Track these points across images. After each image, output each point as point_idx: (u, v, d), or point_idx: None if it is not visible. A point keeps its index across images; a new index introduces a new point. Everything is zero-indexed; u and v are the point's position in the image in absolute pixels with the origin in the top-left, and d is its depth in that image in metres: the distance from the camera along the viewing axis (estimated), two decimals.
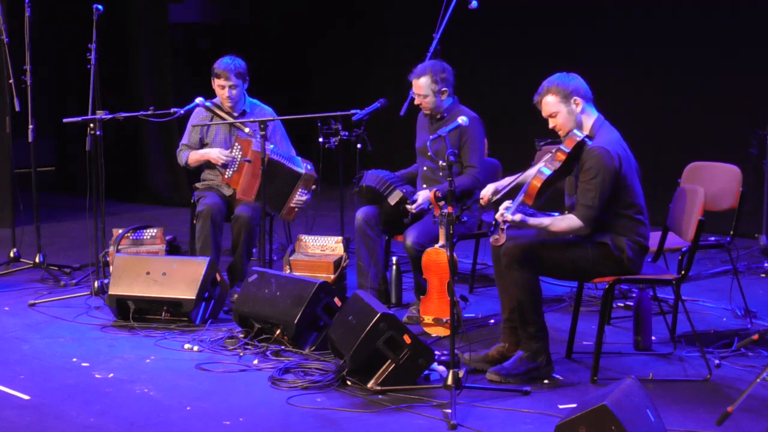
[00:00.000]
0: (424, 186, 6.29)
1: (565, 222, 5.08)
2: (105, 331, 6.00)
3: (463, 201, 6.16)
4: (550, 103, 5.13)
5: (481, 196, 5.38)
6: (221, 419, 4.67)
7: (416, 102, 6.26)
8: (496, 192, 5.32)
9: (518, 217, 4.98)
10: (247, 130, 6.61)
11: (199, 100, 6.60)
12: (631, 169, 5.10)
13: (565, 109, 5.11)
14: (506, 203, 5.03)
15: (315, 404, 4.82)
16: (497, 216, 5.00)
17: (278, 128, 6.76)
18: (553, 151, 5.10)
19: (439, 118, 6.24)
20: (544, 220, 5.09)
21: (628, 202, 5.09)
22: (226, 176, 6.59)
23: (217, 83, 6.63)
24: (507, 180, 5.40)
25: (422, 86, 6.16)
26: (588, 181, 5.02)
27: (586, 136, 5.07)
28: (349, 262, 6.58)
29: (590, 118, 5.15)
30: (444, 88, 6.15)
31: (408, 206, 6.10)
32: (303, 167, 6.63)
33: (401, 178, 6.38)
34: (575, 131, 5.08)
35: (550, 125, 5.19)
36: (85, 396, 4.98)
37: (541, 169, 5.05)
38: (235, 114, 6.68)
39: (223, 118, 6.63)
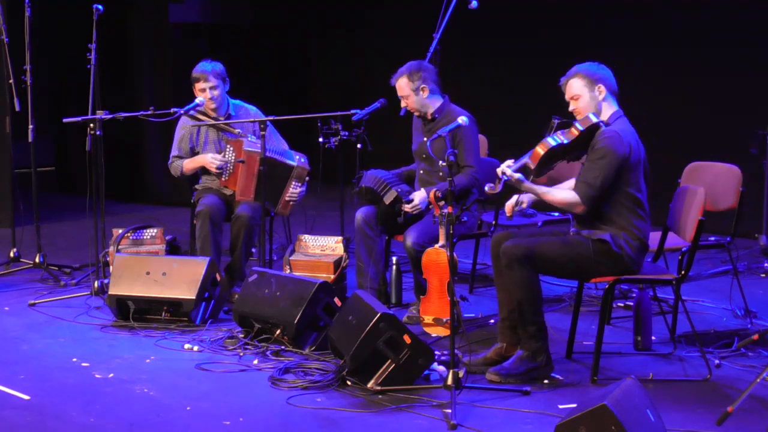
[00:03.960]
0: (421, 188, 6.28)
1: (562, 194, 5.12)
2: (105, 331, 6.00)
3: (462, 201, 6.16)
4: (574, 86, 5.21)
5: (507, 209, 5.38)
6: (221, 419, 4.67)
7: (402, 105, 6.29)
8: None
9: (517, 175, 5.03)
10: (236, 131, 6.62)
11: (199, 99, 6.61)
12: (639, 163, 5.12)
13: (589, 94, 5.18)
14: (509, 161, 5.07)
15: (315, 404, 4.82)
16: (498, 170, 5.04)
17: (267, 125, 6.74)
18: (568, 127, 5.13)
19: (431, 119, 6.24)
20: (541, 187, 5.15)
21: (631, 194, 5.10)
22: (222, 180, 6.59)
23: (198, 87, 6.62)
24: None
25: (401, 87, 6.19)
26: (594, 161, 5.05)
27: (602, 122, 5.11)
28: (349, 262, 6.58)
29: (610, 108, 5.21)
30: (423, 86, 6.15)
31: (404, 206, 6.10)
32: (295, 160, 6.64)
33: (400, 176, 6.38)
34: (592, 114, 5.13)
35: (571, 107, 5.25)
36: (85, 396, 4.97)
37: (547, 138, 5.09)
38: (221, 117, 6.68)
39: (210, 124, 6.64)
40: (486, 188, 5.08)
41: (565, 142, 5.08)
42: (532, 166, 5.08)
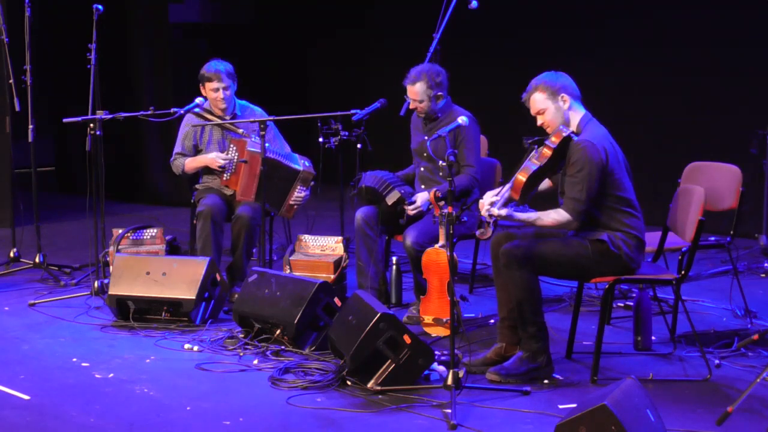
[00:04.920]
0: (423, 187, 6.29)
1: (553, 216, 5.09)
2: (105, 331, 6.00)
3: (463, 201, 6.16)
4: (538, 100, 5.18)
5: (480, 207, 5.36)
6: (221, 419, 4.67)
7: (411, 107, 6.29)
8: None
9: (504, 211, 5.01)
10: (240, 131, 6.62)
11: (199, 99, 6.61)
12: (619, 164, 5.12)
13: (553, 105, 5.15)
14: (491, 198, 5.05)
15: (315, 404, 4.82)
16: (482, 211, 5.01)
17: (271, 127, 6.75)
18: (540, 147, 5.11)
19: (433, 119, 6.24)
20: (531, 215, 5.11)
21: (618, 196, 5.10)
22: (224, 179, 6.59)
23: (209, 87, 6.61)
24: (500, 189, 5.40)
25: (417, 92, 6.17)
26: (574, 174, 5.04)
27: (573, 132, 5.10)
28: (349, 262, 6.58)
29: (577, 114, 5.18)
30: (439, 93, 6.15)
31: (406, 207, 6.10)
32: (300, 164, 6.64)
33: (400, 178, 6.38)
34: (562, 127, 5.11)
35: (538, 122, 5.23)
36: (85, 396, 4.97)
37: (526, 164, 5.07)
38: (227, 117, 6.68)
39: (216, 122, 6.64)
40: (477, 233, 5.04)
41: (543, 164, 5.05)
42: (517, 196, 5.06)
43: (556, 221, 5.08)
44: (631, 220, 5.13)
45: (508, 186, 5.09)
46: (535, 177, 5.07)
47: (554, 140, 5.07)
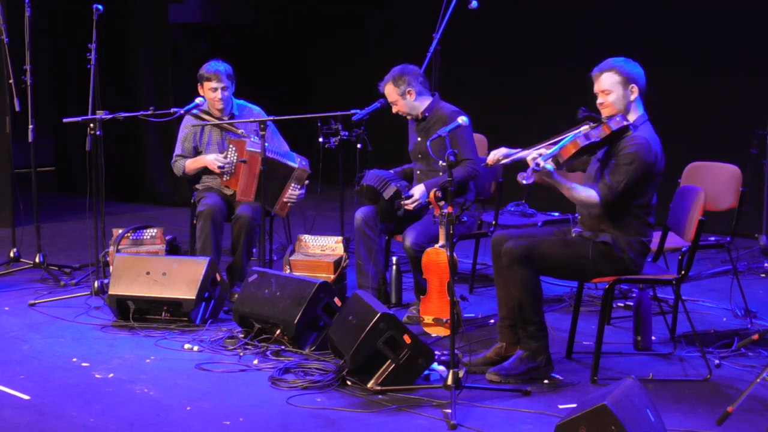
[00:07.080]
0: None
1: (585, 193, 5.05)
2: (105, 331, 6.00)
3: (462, 197, 6.16)
4: (608, 81, 5.12)
5: (490, 156, 5.33)
6: (221, 419, 4.67)
7: (393, 110, 6.31)
8: (506, 156, 5.30)
9: (550, 165, 4.92)
10: (240, 131, 6.62)
11: (199, 99, 6.61)
12: (660, 173, 5.11)
13: (621, 92, 5.12)
14: (542, 150, 5.00)
15: (315, 404, 4.82)
16: (529, 158, 4.93)
17: (269, 125, 6.74)
18: (599, 124, 5.02)
19: (422, 119, 6.25)
20: (567, 183, 5.03)
21: (644, 203, 5.09)
22: (224, 179, 6.59)
23: (207, 86, 6.61)
24: (520, 151, 5.32)
25: (389, 94, 6.24)
26: (621, 165, 5.00)
27: (632, 125, 5.06)
28: (349, 262, 6.58)
29: (637, 111, 5.15)
30: (408, 89, 6.17)
31: (404, 202, 6.10)
32: (297, 162, 6.65)
33: (400, 174, 6.40)
34: (621, 116, 5.05)
35: (599, 101, 5.16)
36: (85, 396, 4.98)
37: (584, 135, 4.99)
38: (225, 117, 6.68)
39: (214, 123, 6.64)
40: (519, 178, 4.91)
41: (596, 141, 4.99)
42: (561, 161, 5.01)
43: (587, 198, 5.04)
44: (645, 227, 5.12)
45: (558, 147, 5.00)
46: (584, 150, 5.00)
47: (616, 124, 5.00)
